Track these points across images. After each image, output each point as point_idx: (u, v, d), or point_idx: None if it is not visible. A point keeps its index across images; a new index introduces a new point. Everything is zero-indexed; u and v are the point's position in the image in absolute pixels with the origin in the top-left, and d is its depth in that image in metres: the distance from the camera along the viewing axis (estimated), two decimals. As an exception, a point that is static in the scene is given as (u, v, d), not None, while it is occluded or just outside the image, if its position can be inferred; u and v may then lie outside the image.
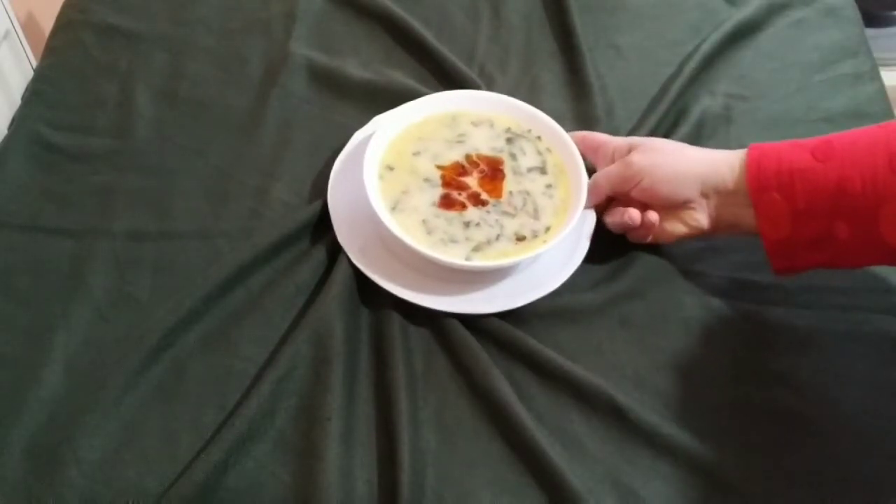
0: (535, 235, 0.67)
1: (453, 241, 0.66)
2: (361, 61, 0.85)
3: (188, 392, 0.62)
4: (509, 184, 0.70)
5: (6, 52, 0.99)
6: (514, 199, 0.69)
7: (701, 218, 0.67)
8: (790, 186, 0.61)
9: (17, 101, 0.82)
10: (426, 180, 0.69)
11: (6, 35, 0.99)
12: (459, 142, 0.72)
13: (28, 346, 0.63)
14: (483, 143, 0.72)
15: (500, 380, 0.61)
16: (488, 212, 0.68)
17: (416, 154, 0.70)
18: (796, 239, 0.62)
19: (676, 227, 0.68)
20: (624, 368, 0.64)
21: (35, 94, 0.80)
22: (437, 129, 0.72)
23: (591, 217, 0.71)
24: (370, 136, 0.70)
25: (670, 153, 0.67)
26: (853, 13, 0.92)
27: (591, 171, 0.72)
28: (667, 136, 0.78)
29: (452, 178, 0.69)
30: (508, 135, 0.73)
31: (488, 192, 0.69)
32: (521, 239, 0.66)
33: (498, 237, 0.66)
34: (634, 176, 0.67)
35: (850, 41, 0.89)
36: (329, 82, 0.82)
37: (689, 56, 0.85)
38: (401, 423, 0.59)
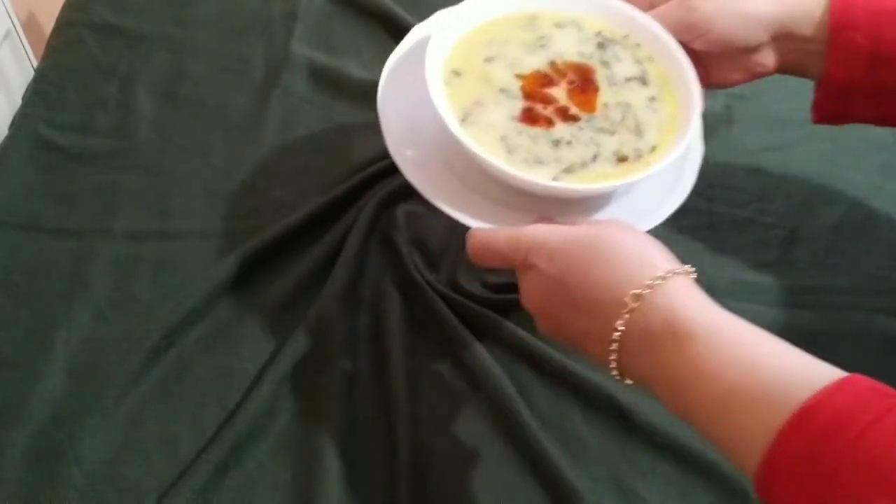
0: (639, 156, 0.55)
1: (539, 161, 0.54)
2: (362, 61, 0.85)
3: (188, 392, 0.62)
4: (604, 95, 0.58)
5: (7, 52, 0.99)
6: (611, 112, 0.57)
7: (767, 62, 0.59)
8: (877, 28, 0.55)
9: (18, 102, 0.82)
10: (502, 90, 0.57)
11: (7, 35, 0.99)
12: (541, 45, 0.60)
13: (29, 345, 0.63)
14: (569, 49, 0.60)
15: (502, 379, 0.61)
16: (580, 128, 0.56)
17: (489, 60, 0.59)
18: (864, 85, 0.56)
19: (734, 75, 0.61)
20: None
21: (36, 95, 0.80)
22: (512, 31, 0.60)
23: (699, 146, 0.62)
24: (429, 37, 0.58)
25: None
26: (854, 13, 0.92)
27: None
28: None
29: (535, 89, 0.58)
30: (599, 39, 0.61)
31: (578, 105, 0.57)
32: (622, 160, 0.55)
33: (595, 157, 0.55)
34: (699, 25, 0.58)
35: (851, 41, 0.88)
36: (330, 82, 0.82)
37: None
38: (401, 422, 0.59)
